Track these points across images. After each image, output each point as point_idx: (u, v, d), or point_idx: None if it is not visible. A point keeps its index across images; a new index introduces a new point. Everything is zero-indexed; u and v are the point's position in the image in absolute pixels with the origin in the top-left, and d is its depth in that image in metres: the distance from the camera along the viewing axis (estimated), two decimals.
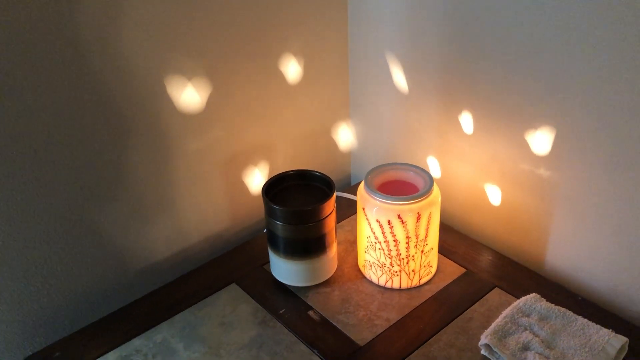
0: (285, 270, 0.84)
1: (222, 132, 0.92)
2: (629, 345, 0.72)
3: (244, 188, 1.00)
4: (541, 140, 0.82)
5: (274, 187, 0.85)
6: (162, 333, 0.79)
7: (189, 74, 0.85)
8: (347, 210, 1.01)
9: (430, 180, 0.81)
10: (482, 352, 0.73)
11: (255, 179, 1.01)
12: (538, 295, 0.79)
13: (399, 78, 0.98)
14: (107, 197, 0.83)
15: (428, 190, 0.79)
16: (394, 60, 0.97)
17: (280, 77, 0.97)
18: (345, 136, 1.13)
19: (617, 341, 0.71)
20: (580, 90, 0.75)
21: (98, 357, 0.76)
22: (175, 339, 0.78)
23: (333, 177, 1.11)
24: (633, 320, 0.80)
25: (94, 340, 0.79)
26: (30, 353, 0.78)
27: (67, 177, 0.78)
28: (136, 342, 0.78)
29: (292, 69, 0.98)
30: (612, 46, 0.70)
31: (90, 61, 0.75)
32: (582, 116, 0.76)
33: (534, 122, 0.82)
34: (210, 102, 0.89)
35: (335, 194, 0.82)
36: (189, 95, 0.86)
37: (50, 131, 0.75)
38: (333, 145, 1.12)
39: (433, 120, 0.96)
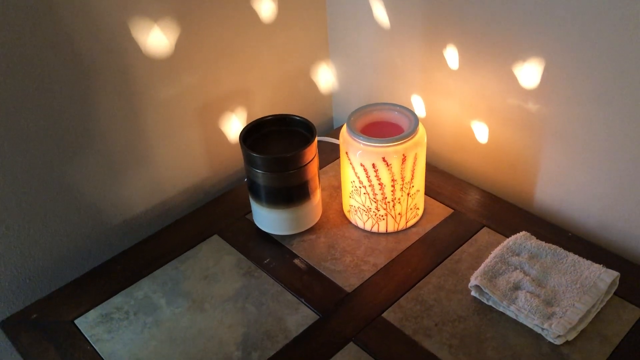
0: (268, 219, 0.81)
1: (194, 77, 0.87)
2: (620, 280, 0.71)
3: (221, 136, 0.96)
4: (530, 73, 0.78)
5: (253, 134, 0.81)
6: (144, 289, 0.77)
7: (155, 15, 0.79)
8: (330, 154, 0.98)
9: (415, 120, 0.77)
10: (472, 293, 0.72)
11: (233, 126, 0.96)
12: (528, 234, 0.77)
13: (380, 12, 0.92)
14: (75, 152, 0.79)
15: (413, 131, 0.76)
16: None
17: (254, 16, 0.91)
18: (325, 77, 1.08)
19: (608, 276, 0.70)
20: (570, 19, 0.70)
21: (77, 316, 0.74)
22: (157, 294, 0.76)
23: (314, 121, 1.06)
24: (624, 254, 0.79)
25: (72, 299, 0.76)
26: (8, 315, 0.76)
27: (29, 132, 0.74)
28: (116, 299, 0.76)
29: (266, 6, 0.91)
30: None
31: (51, 3, 0.68)
32: (572, 47, 0.72)
33: (522, 54, 0.78)
34: (180, 45, 0.83)
35: (317, 139, 0.79)
36: (156, 39, 0.80)
37: (7, 85, 0.69)
38: (313, 87, 1.07)
39: (416, 57, 0.91)
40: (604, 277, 0.70)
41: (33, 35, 0.69)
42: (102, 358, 0.69)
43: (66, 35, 0.72)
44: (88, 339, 0.71)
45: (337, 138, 0.95)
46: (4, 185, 0.74)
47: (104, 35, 0.75)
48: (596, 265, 0.72)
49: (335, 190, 0.91)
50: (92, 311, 0.74)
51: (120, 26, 0.76)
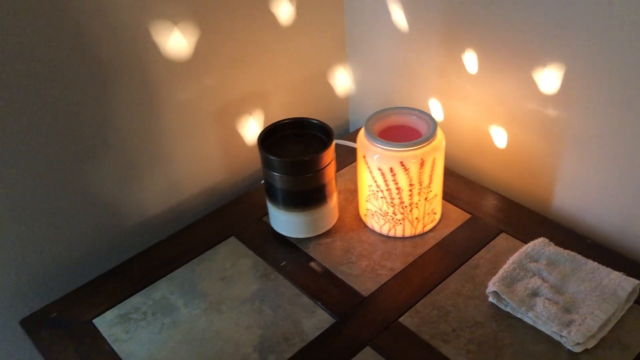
0: (285, 222, 0.82)
1: (212, 80, 0.88)
2: None
3: (238, 138, 0.96)
4: (549, 79, 0.78)
5: (270, 137, 0.81)
6: (161, 290, 0.77)
7: (175, 18, 0.79)
8: (347, 158, 0.98)
9: (433, 124, 0.77)
10: (490, 299, 0.72)
11: (251, 129, 0.97)
12: (546, 240, 0.76)
13: (398, 16, 0.92)
14: (94, 153, 0.80)
15: (431, 135, 0.75)
16: None
17: (273, 19, 0.91)
18: (342, 81, 1.08)
19: (628, 284, 0.69)
20: (592, 24, 0.70)
21: (96, 316, 0.74)
22: (174, 295, 0.76)
23: (330, 124, 1.06)
24: None
25: (91, 299, 0.77)
26: (28, 314, 0.77)
27: (51, 134, 0.74)
28: (134, 299, 0.76)
29: (284, 9, 0.92)
30: None
31: (68, 9, 0.69)
32: (593, 53, 0.71)
33: (542, 60, 0.77)
34: (199, 48, 0.84)
35: (334, 143, 0.79)
36: (176, 41, 0.81)
37: (27, 84, 0.70)
38: (330, 90, 1.07)
39: (435, 61, 0.91)
40: (624, 285, 0.69)
41: (53, 37, 0.70)
42: (120, 358, 0.69)
43: (86, 37, 0.72)
44: (106, 338, 0.72)
45: (354, 141, 0.95)
46: (24, 185, 0.75)
47: (124, 37, 0.76)
48: (616, 273, 0.71)
49: (351, 194, 0.91)
50: (110, 311, 0.75)
51: (141, 28, 0.77)
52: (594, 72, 0.73)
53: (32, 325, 0.74)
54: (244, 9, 0.86)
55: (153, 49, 0.79)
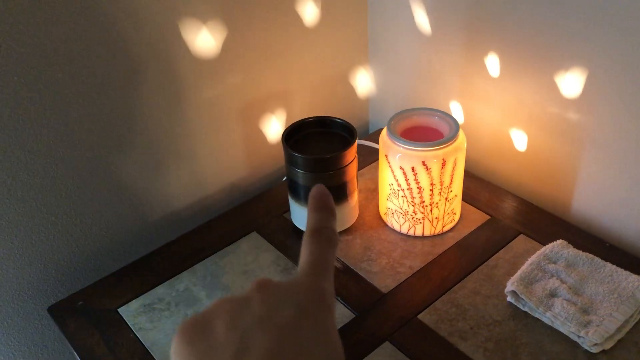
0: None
1: (238, 78, 0.90)
2: None
3: (261, 136, 0.98)
4: (571, 82, 0.78)
5: (294, 135, 0.83)
6: (185, 282, 0.79)
7: (204, 17, 0.81)
8: (367, 158, 0.99)
9: (455, 125, 0.78)
10: (508, 299, 0.72)
11: (273, 127, 0.99)
12: (565, 242, 0.77)
13: (421, 18, 0.94)
14: (121, 147, 0.82)
15: (454, 136, 0.77)
16: None
17: (298, 19, 0.93)
18: (363, 82, 1.10)
19: None
20: (615, 28, 0.71)
21: (121, 305, 0.76)
22: (197, 287, 0.78)
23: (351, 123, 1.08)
24: None
25: (116, 288, 0.79)
26: (54, 302, 0.79)
27: (81, 126, 0.77)
28: (159, 290, 0.78)
29: (309, 10, 0.93)
30: None
31: (100, 6, 0.72)
32: (616, 56, 0.72)
33: (564, 63, 0.78)
34: (226, 46, 0.86)
35: (357, 142, 0.80)
36: (204, 40, 0.83)
37: (60, 80, 0.72)
38: (351, 91, 1.09)
39: (457, 63, 0.92)
40: None
41: (86, 34, 0.72)
42: (144, 346, 0.71)
43: (117, 34, 0.75)
44: (131, 327, 0.73)
45: (374, 141, 0.96)
46: (55, 177, 0.77)
47: (154, 36, 0.78)
48: (634, 276, 0.72)
49: (371, 193, 0.92)
50: (134, 301, 0.77)
51: (170, 26, 0.79)
52: (616, 77, 0.73)
53: (59, 312, 0.77)
54: (270, 9, 0.88)
55: (182, 46, 0.81)
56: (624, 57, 0.72)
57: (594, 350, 0.66)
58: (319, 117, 0.84)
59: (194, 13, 0.80)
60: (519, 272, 0.73)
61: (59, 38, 0.70)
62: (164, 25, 0.78)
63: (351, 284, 0.77)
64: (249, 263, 0.81)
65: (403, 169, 0.77)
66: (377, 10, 1.01)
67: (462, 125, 0.97)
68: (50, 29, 0.69)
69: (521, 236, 0.82)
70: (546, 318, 0.69)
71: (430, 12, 0.92)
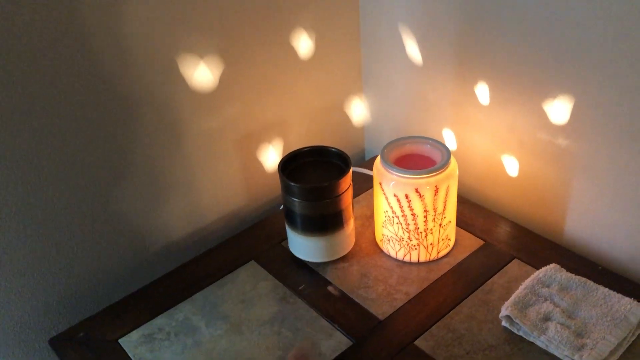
0: (303, 246, 0.84)
1: (235, 109, 0.92)
2: None
3: (258, 165, 1.00)
4: (560, 110, 0.81)
5: (290, 164, 0.85)
6: (184, 311, 0.80)
7: (201, 52, 0.84)
8: (362, 185, 1.01)
9: (447, 152, 0.80)
10: (503, 323, 0.73)
11: (270, 157, 1.01)
12: (558, 266, 0.78)
13: (412, 49, 0.96)
14: (122, 179, 0.84)
15: (445, 163, 0.78)
16: (406, 31, 0.96)
17: (292, 52, 0.96)
18: (358, 111, 1.12)
19: (639, 309, 0.71)
20: (600, 58, 0.73)
21: (122, 336, 0.77)
22: (196, 316, 0.79)
23: (347, 152, 1.09)
24: None
25: (117, 319, 0.80)
26: (55, 334, 0.80)
27: (80, 160, 0.79)
28: (158, 320, 0.79)
29: (303, 43, 0.96)
30: (634, 14, 0.68)
31: (103, 41, 0.74)
32: (601, 84, 0.74)
33: (552, 91, 0.80)
34: (223, 79, 0.88)
35: (351, 170, 0.82)
36: (202, 74, 0.85)
37: (59, 114, 0.74)
38: (346, 120, 1.11)
39: (448, 92, 0.95)
40: (635, 310, 0.71)
41: (87, 68, 0.74)
42: None
43: (115, 71, 0.77)
44: (132, 357, 0.74)
45: (370, 169, 0.98)
46: (57, 207, 0.79)
47: (153, 70, 0.80)
48: (627, 299, 0.73)
49: (367, 220, 0.94)
50: (135, 331, 0.78)
51: (168, 62, 0.81)
52: (602, 104, 0.76)
53: (61, 344, 0.77)
54: (265, 43, 0.91)
55: (180, 81, 0.83)
56: (608, 86, 0.74)
57: None
58: (314, 146, 0.86)
59: (192, 48, 0.83)
60: (513, 297, 0.75)
61: (63, 74, 0.72)
62: (163, 60, 0.80)
63: (348, 311, 0.78)
64: (248, 292, 0.82)
65: (397, 196, 0.79)
66: (370, 42, 1.04)
67: (454, 152, 0.99)
68: (54, 65, 0.71)
69: (515, 260, 0.84)
70: (541, 342, 0.70)
71: (421, 43, 0.94)
